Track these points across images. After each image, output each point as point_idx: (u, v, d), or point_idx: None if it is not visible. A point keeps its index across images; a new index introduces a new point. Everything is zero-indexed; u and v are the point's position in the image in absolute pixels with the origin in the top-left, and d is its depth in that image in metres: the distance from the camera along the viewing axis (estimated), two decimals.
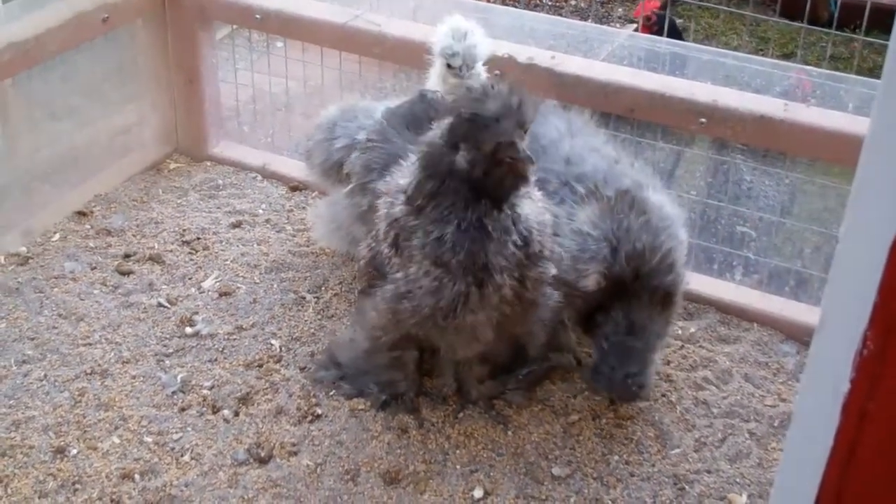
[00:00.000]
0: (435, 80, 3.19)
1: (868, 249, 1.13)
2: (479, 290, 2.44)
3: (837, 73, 3.42)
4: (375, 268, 2.68)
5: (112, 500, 2.59)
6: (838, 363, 1.19)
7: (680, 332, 3.23)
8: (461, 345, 2.67)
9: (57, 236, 3.58)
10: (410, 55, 3.28)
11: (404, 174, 2.69)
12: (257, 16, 3.73)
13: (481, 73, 3.07)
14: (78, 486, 2.63)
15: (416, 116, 2.97)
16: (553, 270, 2.58)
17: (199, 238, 3.59)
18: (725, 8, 6.77)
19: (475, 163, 2.37)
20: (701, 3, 6.78)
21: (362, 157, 3.00)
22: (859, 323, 1.15)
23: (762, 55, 6.86)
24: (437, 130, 2.49)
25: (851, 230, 1.16)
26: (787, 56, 6.84)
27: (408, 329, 2.64)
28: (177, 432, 2.81)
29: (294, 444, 2.77)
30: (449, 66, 3.11)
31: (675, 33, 5.63)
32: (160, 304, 3.27)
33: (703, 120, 3.11)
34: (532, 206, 2.52)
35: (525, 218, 2.48)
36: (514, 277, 2.46)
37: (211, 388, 2.95)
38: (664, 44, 3.51)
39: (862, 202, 1.15)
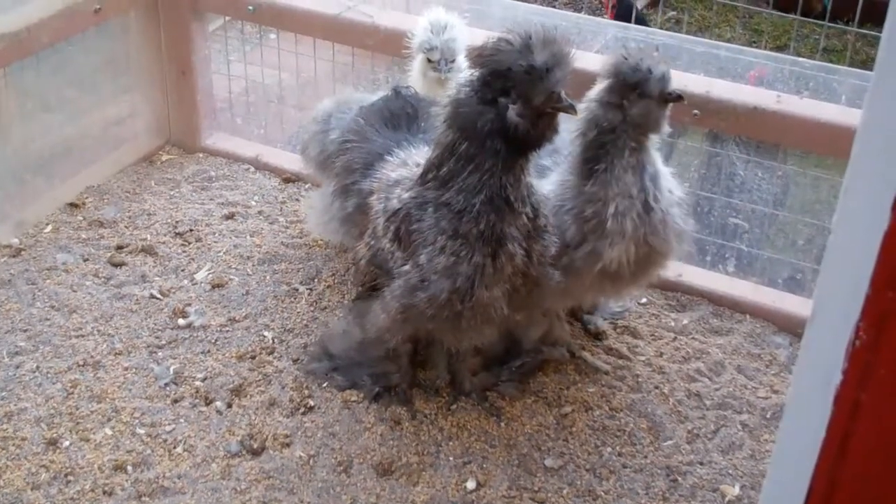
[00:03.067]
0: (416, 75, 3.20)
1: (860, 240, 1.13)
2: (493, 261, 2.41)
3: (830, 65, 3.41)
4: (378, 266, 2.65)
5: (104, 492, 2.59)
6: (831, 354, 1.19)
7: (673, 323, 3.24)
8: (473, 330, 2.58)
9: (49, 228, 3.57)
10: (403, 47, 3.27)
11: (394, 168, 2.69)
12: (250, 7, 3.73)
13: (462, 66, 3.06)
14: (70, 477, 2.63)
15: (392, 113, 2.96)
16: (553, 249, 2.57)
17: (191, 230, 3.59)
18: (719, 1, 6.77)
19: (524, 114, 2.32)
20: None
21: (342, 158, 2.98)
22: (852, 314, 1.15)
23: (755, 47, 6.87)
24: (463, 89, 2.39)
25: (844, 221, 1.17)
26: (781, 48, 6.85)
27: (419, 325, 2.60)
28: (169, 424, 2.81)
29: (287, 436, 2.77)
30: (429, 60, 3.11)
31: (632, 20, 5.71)
32: (153, 296, 3.26)
33: (697, 111, 3.11)
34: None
35: (535, 189, 2.48)
36: (522, 247, 2.45)
37: (204, 379, 2.95)
38: (658, 35, 3.51)
39: (854, 193, 1.15)
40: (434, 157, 2.46)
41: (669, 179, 2.70)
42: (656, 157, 2.65)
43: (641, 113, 2.55)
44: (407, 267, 2.50)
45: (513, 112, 2.31)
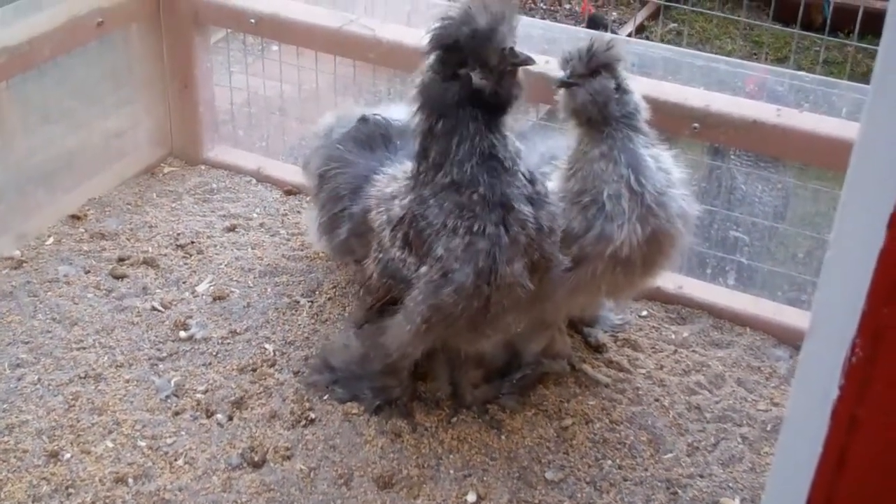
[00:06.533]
0: None
1: (857, 256, 1.14)
2: (507, 230, 2.43)
3: (830, 80, 3.42)
4: (391, 276, 2.64)
5: None
6: (828, 370, 1.20)
7: (673, 336, 3.24)
8: (500, 319, 2.57)
9: (51, 240, 3.58)
10: (404, 60, 3.28)
11: (387, 183, 2.72)
12: (252, 20, 3.74)
13: None
14: (71, 490, 2.63)
15: (367, 136, 3.03)
16: (560, 219, 2.58)
17: (193, 242, 3.59)
18: (719, 14, 6.78)
19: (487, 77, 2.41)
20: (694, 9, 6.80)
21: (326, 188, 3.01)
22: (848, 330, 1.16)
23: (756, 59, 6.88)
24: (426, 74, 2.48)
25: (840, 238, 1.17)
26: (781, 60, 6.86)
27: (444, 330, 2.58)
28: (170, 436, 2.81)
29: (288, 449, 2.77)
30: None
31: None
32: (154, 308, 3.27)
33: (696, 125, 3.11)
34: None
35: (524, 155, 2.53)
36: (529, 209, 2.47)
37: (205, 392, 2.95)
38: (657, 49, 3.52)
39: (850, 211, 1.16)
40: (420, 148, 2.52)
41: (663, 161, 2.69)
42: (635, 144, 2.65)
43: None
44: (424, 268, 2.51)
45: (476, 77, 2.41)
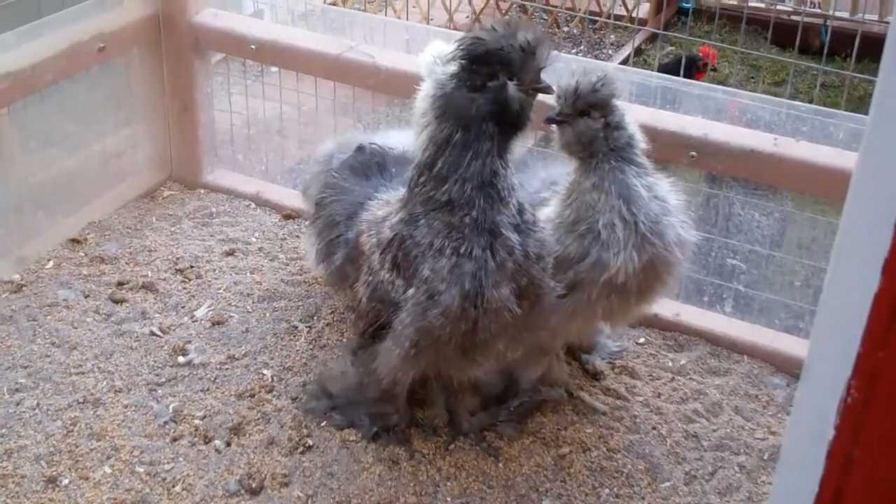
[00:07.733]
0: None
1: (852, 299, 1.15)
2: (493, 255, 2.42)
3: (827, 109, 3.43)
4: (380, 300, 2.63)
5: None
6: (823, 410, 1.21)
7: (670, 364, 3.25)
8: (489, 345, 2.56)
9: (51, 264, 3.59)
10: (403, 86, 3.30)
11: (380, 207, 2.73)
12: (252, 46, 3.76)
13: None
14: None
15: (363, 165, 3.04)
16: (549, 247, 2.57)
17: (192, 266, 3.60)
18: (718, 43, 6.83)
19: (521, 91, 2.41)
20: (691, 38, 6.84)
21: (323, 215, 3.02)
22: (843, 371, 1.17)
23: (754, 83, 6.92)
24: (449, 83, 2.44)
25: (835, 281, 1.19)
26: (779, 84, 6.90)
27: (433, 356, 2.57)
28: (168, 462, 2.81)
29: (285, 476, 2.77)
30: None
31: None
32: (153, 333, 3.28)
33: (694, 154, 3.13)
34: None
35: (517, 187, 2.53)
36: (517, 238, 2.46)
37: (203, 417, 2.96)
38: (654, 78, 3.54)
39: (846, 251, 1.17)
40: (427, 160, 2.48)
41: (659, 189, 2.69)
42: (626, 175, 2.65)
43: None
44: (412, 290, 2.50)
45: (513, 88, 2.40)
